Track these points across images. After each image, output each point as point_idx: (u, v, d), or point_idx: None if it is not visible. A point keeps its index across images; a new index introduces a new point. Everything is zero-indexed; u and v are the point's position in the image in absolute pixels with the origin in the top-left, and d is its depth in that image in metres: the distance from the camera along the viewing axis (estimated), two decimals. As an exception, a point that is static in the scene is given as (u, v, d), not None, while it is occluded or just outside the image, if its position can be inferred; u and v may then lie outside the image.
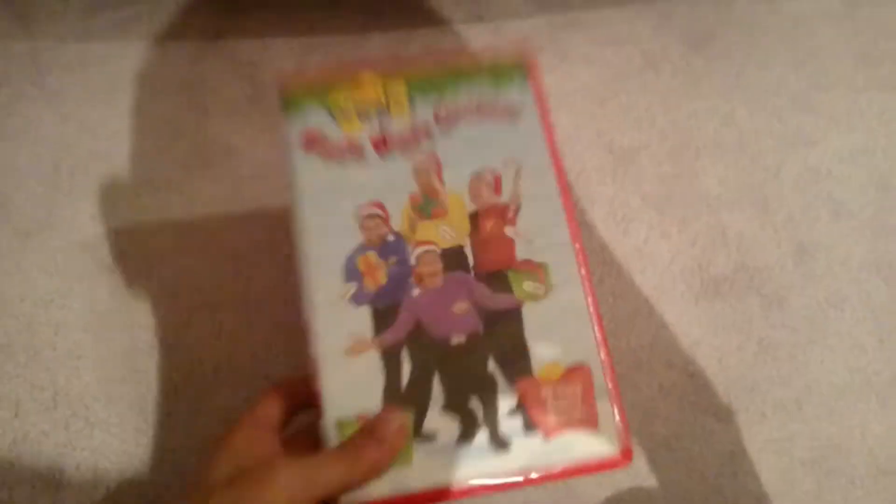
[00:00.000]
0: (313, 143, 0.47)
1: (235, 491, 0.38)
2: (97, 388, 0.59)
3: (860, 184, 0.67)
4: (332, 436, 0.42)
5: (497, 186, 0.47)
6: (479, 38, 0.72)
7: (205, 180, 0.65)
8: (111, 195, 0.65)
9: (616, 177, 0.67)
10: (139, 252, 0.63)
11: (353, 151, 0.47)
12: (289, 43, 0.71)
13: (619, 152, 0.68)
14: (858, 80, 0.71)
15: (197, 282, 0.62)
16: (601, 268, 0.64)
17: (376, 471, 0.41)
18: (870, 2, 0.75)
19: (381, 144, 0.47)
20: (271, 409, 0.44)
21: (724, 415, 0.60)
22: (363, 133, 0.47)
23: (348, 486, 0.41)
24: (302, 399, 0.44)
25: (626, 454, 0.43)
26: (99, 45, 0.71)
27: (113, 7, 0.72)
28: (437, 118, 0.48)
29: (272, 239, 0.63)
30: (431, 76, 0.49)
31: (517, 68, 0.49)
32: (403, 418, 0.42)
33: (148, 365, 0.59)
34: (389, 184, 0.46)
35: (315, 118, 0.47)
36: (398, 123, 0.48)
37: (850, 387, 0.61)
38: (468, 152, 0.47)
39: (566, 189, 0.47)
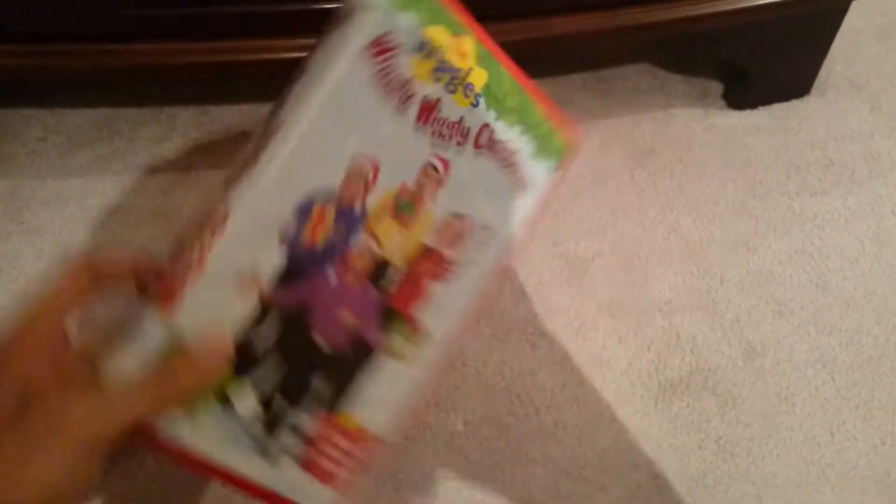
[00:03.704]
0: (382, 52, 0.38)
1: (22, 434, 0.32)
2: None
3: (800, 284, 0.72)
4: (158, 337, 0.36)
5: (462, 239, 0.43)
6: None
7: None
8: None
9: (572, 286, 0.71)
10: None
11: (403, 95, 0.39)
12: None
13: (574, 262, 0.72)
14: (790, 187, 0.77)
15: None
16: (563, 376, 0.67)
17: (182, 398, 0.37)
18: (796, 116, 0.81)
19: (426, 115, 0.40)
20: (74, 295, 0.37)
21: (688, 513, 0.63)
22: (423, 89, 0.40)
23: (150, 415, 0.36)
24: (116, 280, 0.38)
25: None
26: (77, 180, 0.74)
27: (90, 145, 0.76)
28: (480, 133, 0.42)
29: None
30: (510, 93, 0.43)
31: (562, 149, 0.46)
32: (229, 349, 0.37)
33: None
34: (399, 158, 0.40)
35: (401, 29, 0.38)
36: (452, 109, 0.41)
37: (805, 479, 0.64)
38: (471, 188, 0.42)
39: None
